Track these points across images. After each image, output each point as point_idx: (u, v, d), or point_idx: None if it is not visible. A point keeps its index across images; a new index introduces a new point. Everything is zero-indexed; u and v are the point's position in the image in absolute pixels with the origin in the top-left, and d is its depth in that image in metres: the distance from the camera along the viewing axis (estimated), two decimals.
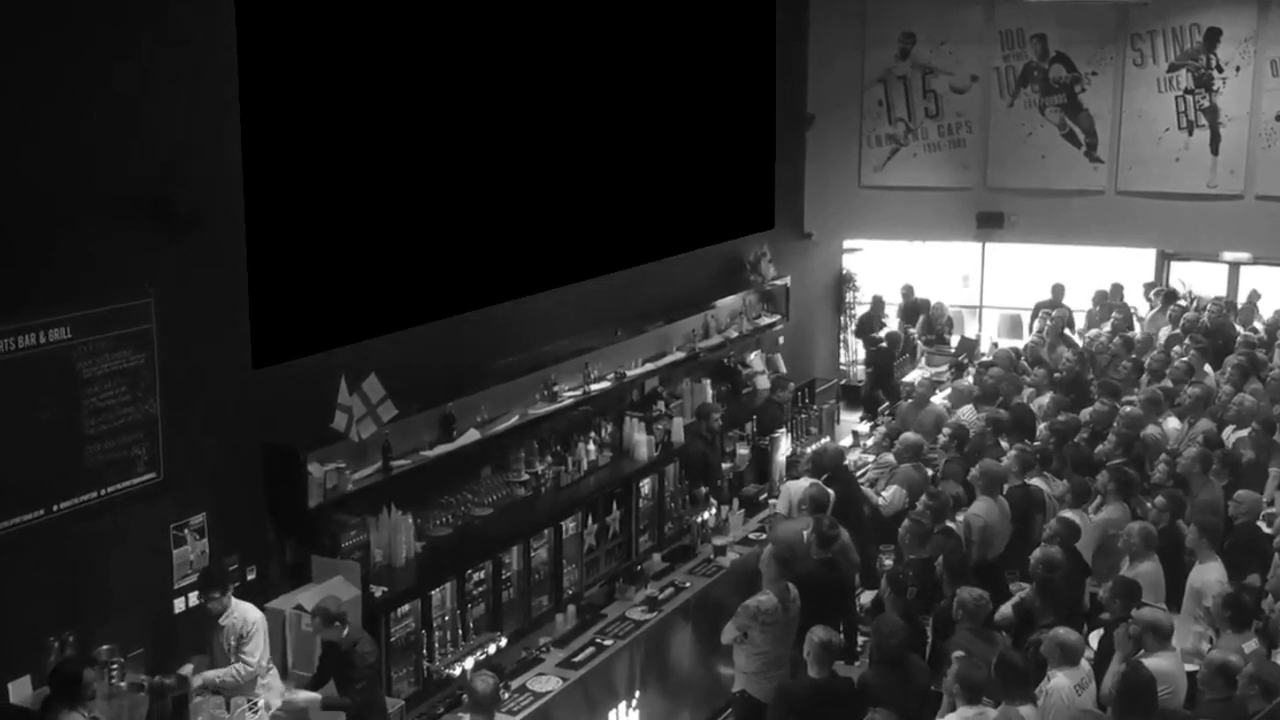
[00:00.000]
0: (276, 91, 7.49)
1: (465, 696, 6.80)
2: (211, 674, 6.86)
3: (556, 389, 9.85)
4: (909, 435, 10.53)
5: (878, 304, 15.51)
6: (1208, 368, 12.05)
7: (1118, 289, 14.82)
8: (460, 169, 8.93)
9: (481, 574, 8.41)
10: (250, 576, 7.60)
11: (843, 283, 16.08)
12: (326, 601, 7.01)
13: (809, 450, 10.96)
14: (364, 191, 8.24)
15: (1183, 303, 14.62)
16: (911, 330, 15.02)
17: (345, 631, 6.92)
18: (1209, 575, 7.80)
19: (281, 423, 7.68)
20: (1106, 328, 13.87)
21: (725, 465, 10.91)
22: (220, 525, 7.36)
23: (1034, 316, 14.64)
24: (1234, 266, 15.60)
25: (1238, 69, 13.82)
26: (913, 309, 15.37)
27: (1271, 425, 10.07)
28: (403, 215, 8.58)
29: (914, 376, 13.18)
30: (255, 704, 6.64)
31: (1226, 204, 13.96)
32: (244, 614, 7.01)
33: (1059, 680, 6.63)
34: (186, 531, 7.22)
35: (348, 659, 6.91)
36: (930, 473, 10.11)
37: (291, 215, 7.73)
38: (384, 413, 7.98)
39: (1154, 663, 6.65)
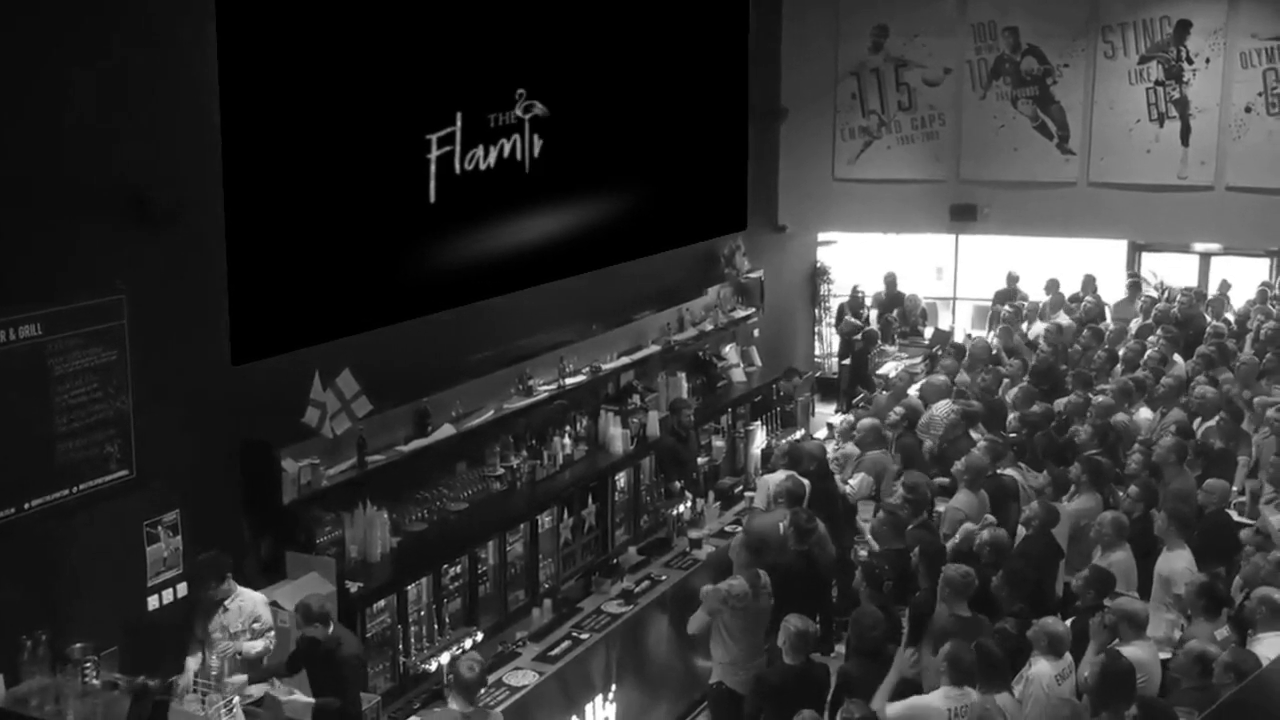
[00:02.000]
0: (256, 86, 7.48)
1: (450, 678, 6.86)
2: (250, 645, 7.01)
3: (532, 383, 9.84)
4: (867, 420, 10.59)
5: (856, 295, 15.56)
6: (1178, 357, 12.14)
7: (1090, 280, 14.91)
8: (438, 167, 8.95)
9: (457, 569, 8.40)
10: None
11: (817, 275, 16.12)
12: (310, 599, 7.01)
13: (784, 442, 11.00)
14: (343, 188, 8.24)
15: (1152, 293, 14.73)
16: (892, 318, 15.05)
17: (330, 629, 6.91)
18: (1177, 563, 7.87)
19: (256, 419, 7.66)
20: (1061, 319, 13.90)
21: (700, 459, 10.92)
22: (194, 522, 7.31)
23: (993, 306, 14.79)
24: (1205, 257, 15.73)
25: (1207, 61, 13.89)
26: (893, 299, 15.42)
27: (1239, 414, 10.16)
28: (381, 212, 8.59)
29: (889, 369, 13.22)
30: (231, 704, 6.61)
31: (1197, 195, 14.03)
32: (250, 596, 7.15)
33: (1041, 667, 6.67)
34: (160, 528, 7.17)
35: (333, 659, 6.90)
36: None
37: (270, 211, 7.72)
38: (358, 408, 7.97)
39: (1129, 651, 6.71)
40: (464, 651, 7.67)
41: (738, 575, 8.05)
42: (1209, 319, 13.70)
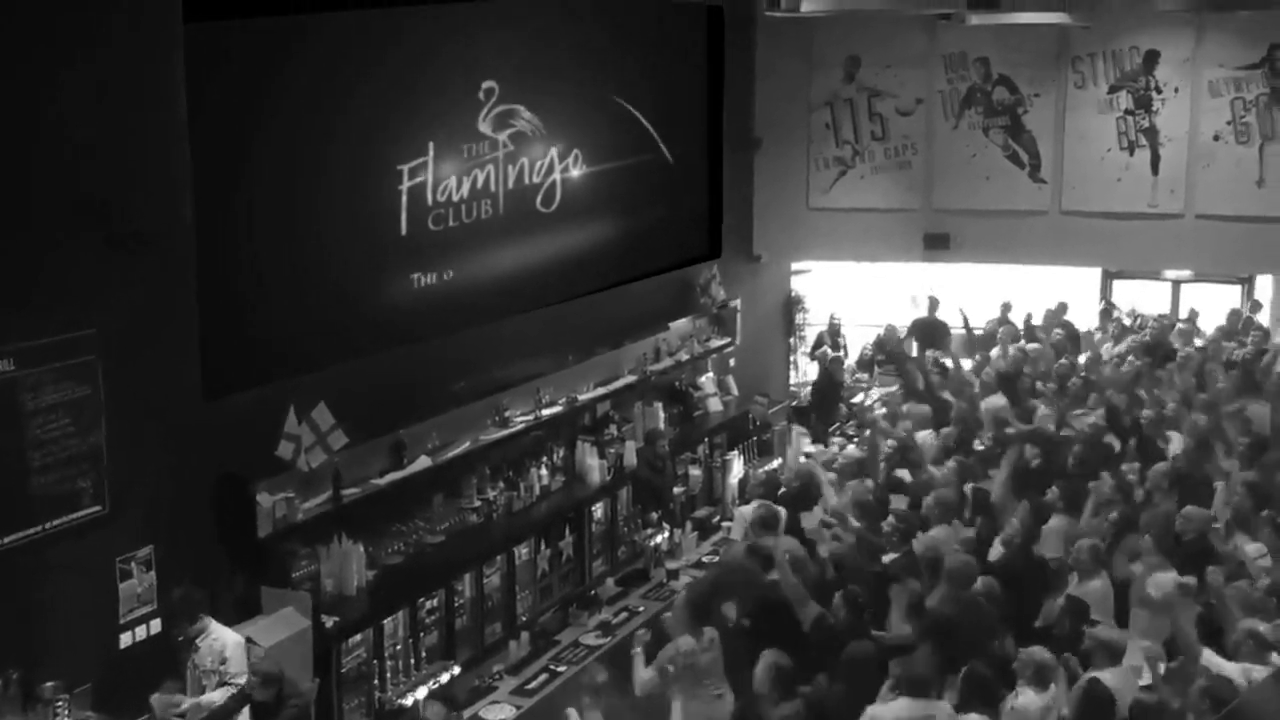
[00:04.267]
0: (227, 118, 7.47)
1: None
2: (206, 698, 6.83)
3: (508, 414, 9.82)
4: (851, 450, 10.61)
5: (833, 323, 15.59)
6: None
7: (1063, 307, 14.99)
8: (410, 198, 8.95)
9: (434, 602, 8.37)
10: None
11: (792, 304, 16.15)
12: (265, 664, 6.98)
13: (761, 472, 11.00)
14: (315, 219, 8.24)
15: (1125, 320, 14.82)
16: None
17: (280, 688, 6.89)
18: (1166, 583, 7.86)
19: (230, 453, 7.61)
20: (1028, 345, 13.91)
21: (677, 489, 10.90)
22: (168, 557, 7.27)
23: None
24: (1175, 284, 15.85)
25: (1176, 90, 14.03)
26: (930, 328, 15.26)
27: (1206, 442, 10.23)
28: (353, 243, 8.58)
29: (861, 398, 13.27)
30: None
31: (1167, 223, 14.14)
32: (222, 636, 6.99)
33: (1028, 698, 6.62)
34: (133, 564, 7.13)
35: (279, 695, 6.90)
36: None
37: (242, 244, 7.71)
38: (334, 441, 7.94)
39: (1105, 678, 6.71)
40: (430, 694, 7.52)
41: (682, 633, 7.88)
42: (1178, 345, 13.79)
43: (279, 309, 8.01)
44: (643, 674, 7.66)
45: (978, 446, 10.76)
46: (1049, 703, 6.67)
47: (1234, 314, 14.68)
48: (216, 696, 6.84)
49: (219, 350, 7.50)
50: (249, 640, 7.19)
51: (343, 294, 8.51)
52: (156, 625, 7.20)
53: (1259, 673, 6.66)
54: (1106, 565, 8.21)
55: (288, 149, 7.93)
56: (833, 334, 15.46)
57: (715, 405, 12.52)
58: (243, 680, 6.87)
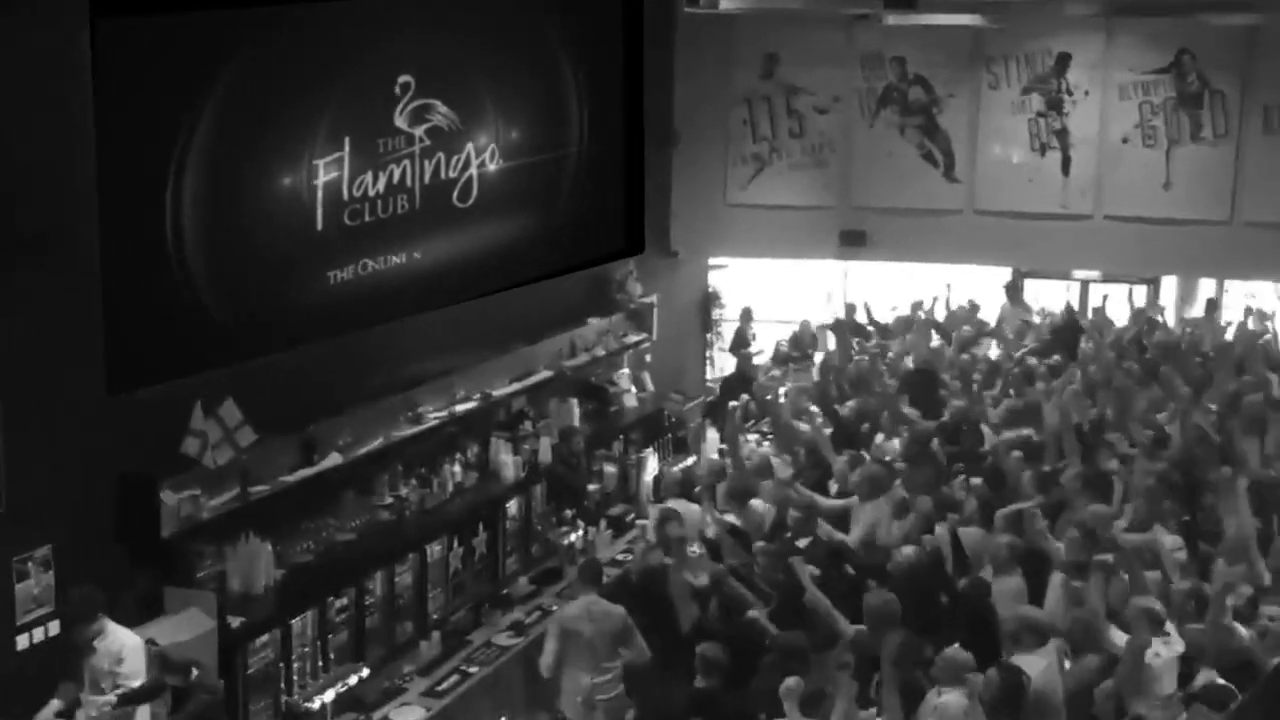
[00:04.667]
0: (135, 113, 7.26)
1: None
2: (93, 701, 6.64)
3: (421, 410, 9.72)
4: (763, 450, 10.64)
5: (746, 317, 15.63)
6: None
7: (974, 307, 15.16)
8: (325, 193, 8.77)
9: (344, 601, 8.25)
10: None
11: (709, 300, 16.18)
12: (176, 652, 6.82)
13: (676, 470, 11.00)
14: (226, 212, 8.04)
15: (1035, 318, 15.01)
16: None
17: (193, 675, 6.74)
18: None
19: (134, 450, 7.43)
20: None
21: (592, 486, 10.86)
22: (68, 557, 7.09)
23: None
24: (1084, 284, 16.11)
25: (1086, 93, 14.27)
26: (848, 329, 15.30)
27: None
28: (265, 237, 8.39)
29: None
30: None
31: (1077, 224, 14.39)
32: (120, 638, 6.77)
33: (951, 698, 6.60)
34: (30, 564, 6.94)
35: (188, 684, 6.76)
36: None
37: (148, 237, 7.48)
38: (241, 438, 7.80)
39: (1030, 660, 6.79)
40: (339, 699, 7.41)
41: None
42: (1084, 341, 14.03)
43: (186, 305, 7.78)
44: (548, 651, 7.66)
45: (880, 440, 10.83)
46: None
47: (1137, 313, 14.91)
48: (109, 699, 6.67)
49: (123, 346, 7.29)
50: (149, 642, 7.02)
51: (255, 290, 8.31)
52: (55, 627, 7.01)
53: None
54: (1022, 563, 8.28)
55: (198, 144, 7.72)
56: (745, 328, 15.47)
57: (631, 401, 12.49)
58: (136, 683, 6.70)
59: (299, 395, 8.66)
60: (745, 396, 12.07)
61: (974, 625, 7.56)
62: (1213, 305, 15.00)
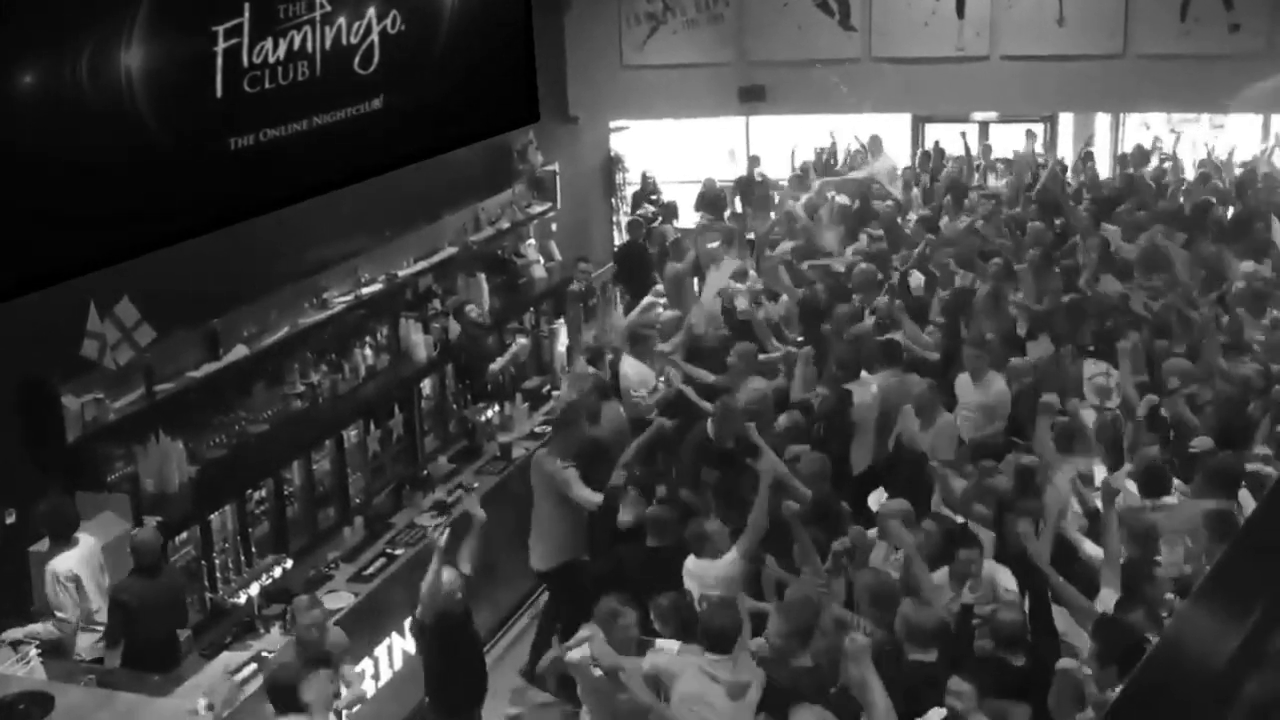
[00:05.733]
0: None
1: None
2: (31, 629, 6.62)
3: (326, 296, 9.55)
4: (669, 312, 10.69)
5: (646, 181, 15.51)
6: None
7: (876, 141, 15.03)
8: (225, 60, 8.39)
9: (262, 493, 8.18)
10: (10, 520, 7.21)
11: (612, 165, 16.00)
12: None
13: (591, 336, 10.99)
14: (119, 88, 7.64)
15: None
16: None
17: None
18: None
19: (30, 355, 7.21)
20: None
21: (501, 359, 10.71)
22: None
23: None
24: (983, 126, 16.17)
25: None
26: (750, 185, 15.14)
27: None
28: (160, 112, 8.00)
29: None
30: (26, 655, 6.36)
31: (973, 65, 14.35)
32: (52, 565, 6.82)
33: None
34: None
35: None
36: None
37: (25, 115, 7.09)
38: (141, 337, 7.62)
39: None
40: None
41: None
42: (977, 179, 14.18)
43: (72, 193, 7.41)
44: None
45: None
46: None
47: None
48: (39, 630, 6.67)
49: (6, 247, 7.00)
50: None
51: (145, 173, 7.95)
52: None
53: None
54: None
55: (86, 7, 7.28)
56: (646, 192, 15.37)
57: (539, 273, 12.38)
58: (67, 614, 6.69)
59: (198, 288, 8.43)
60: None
61: None
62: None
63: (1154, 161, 14.31)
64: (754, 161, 15.22)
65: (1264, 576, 1.96)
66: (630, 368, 9.63)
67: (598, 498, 7.95)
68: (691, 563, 6.99)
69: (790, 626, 6.08)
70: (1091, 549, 6.75)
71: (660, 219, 14.55)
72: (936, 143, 15.54)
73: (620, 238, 15.92)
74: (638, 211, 14.89)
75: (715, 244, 12.49)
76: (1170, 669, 1.76)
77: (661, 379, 9.72)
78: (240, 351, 8.62)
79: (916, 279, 10.95)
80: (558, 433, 8.55)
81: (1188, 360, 8.78)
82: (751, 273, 11.54)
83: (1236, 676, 1.79)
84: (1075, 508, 7.14)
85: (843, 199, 13.51)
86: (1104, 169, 15.04)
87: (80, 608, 6.99)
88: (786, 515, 6.94)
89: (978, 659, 6.11)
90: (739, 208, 14.82)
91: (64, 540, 7.02)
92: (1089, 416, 8.38)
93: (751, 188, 14.93)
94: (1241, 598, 1.88)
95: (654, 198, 15.31)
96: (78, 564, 6.99)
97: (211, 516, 7.77)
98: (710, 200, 14.86)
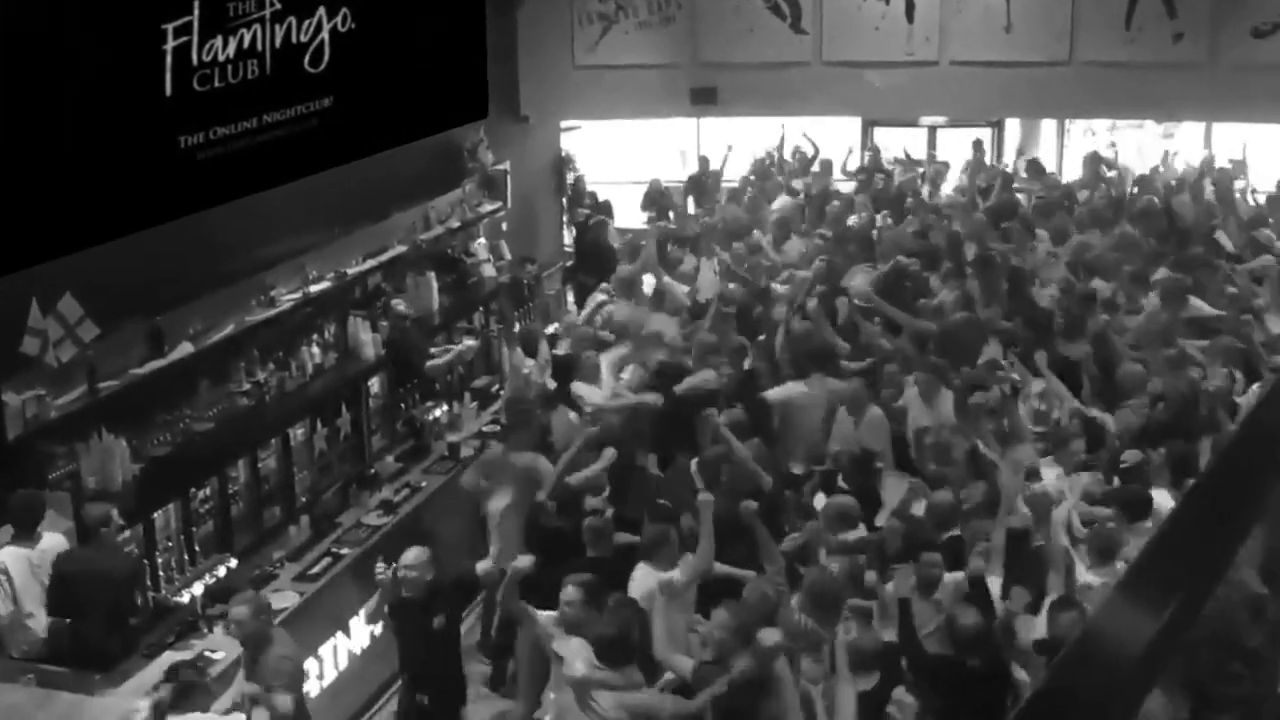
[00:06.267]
0: None
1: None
2: None
3: (274, 293, 9.50)
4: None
5: (578, 187, 15.50)
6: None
7: (827, 165, 15.19)
8: (175, 58, 8.32)
9: (207, 491, 8.13)
10: None
11: (562, 164, 16.00)
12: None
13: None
14: (64, 82, 7.57)
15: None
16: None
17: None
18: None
19: None
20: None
21: (444, 358, 10.63)
22: None
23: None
24: (932, 130, 16.31)
25: None
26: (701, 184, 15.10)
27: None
28: (109, 110, 7.94)
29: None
30: None
31: (923, 70, 14.48)
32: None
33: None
34: None
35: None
36: None
37: None
38: (84, 333, 7.55)
39: None
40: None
41: None
42: (925, 189, 14.28)
43: (21, 186, 7.33)
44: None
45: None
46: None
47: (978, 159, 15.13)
48: None
49: None
50: None
51: (94, 168, 7.87)
52: None
53: None
54: None
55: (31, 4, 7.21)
56: (578, 196, 15.35)
57: (489, 271, 12.36)
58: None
59: (144, 285, 8.36)
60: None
61: None
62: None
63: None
64: (704, 162, 15.26)
65: (1183, 569, 2.01)
66: (583, 389, 9.53)
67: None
68: (639, 571, 6.96)
69: (738, 621, 6.10)
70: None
71: (594, 218, 14.51)
72: (877, 149, 15.62)
73: (570, 237, 15.93)
74: (575, 213, 14.89)
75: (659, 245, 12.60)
76: (1087, 661, 1.80)
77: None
78: (186, 349, 8.56)
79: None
80: (512, 434, 8.53)
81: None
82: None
83: (1152, 667, 1.83)
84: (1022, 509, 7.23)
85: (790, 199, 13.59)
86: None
87: (8, 606, 6.87)
88: (744, 515, 6.98)
89: (933, 661, 6.18)
90: (691, 207, 14.85)
91: (28, 535, 6.89)
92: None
93: (703, 186, 14.96)
94: (1161, 590, 1.93)
95: (588, 202, 15.28)
96: (12, 560, 6.87)
97: (155, 515, 7.70)
98: (655, 200, 14.91)
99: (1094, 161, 14.30)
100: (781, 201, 13.66)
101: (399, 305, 10.31)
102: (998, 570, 6.68)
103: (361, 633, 8.25)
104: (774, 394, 8.96)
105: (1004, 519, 6.86)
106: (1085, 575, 6.67)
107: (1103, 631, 1.91)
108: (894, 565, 6.78)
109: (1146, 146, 15.64)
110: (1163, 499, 7.18)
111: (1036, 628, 6.27)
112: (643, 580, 6.86)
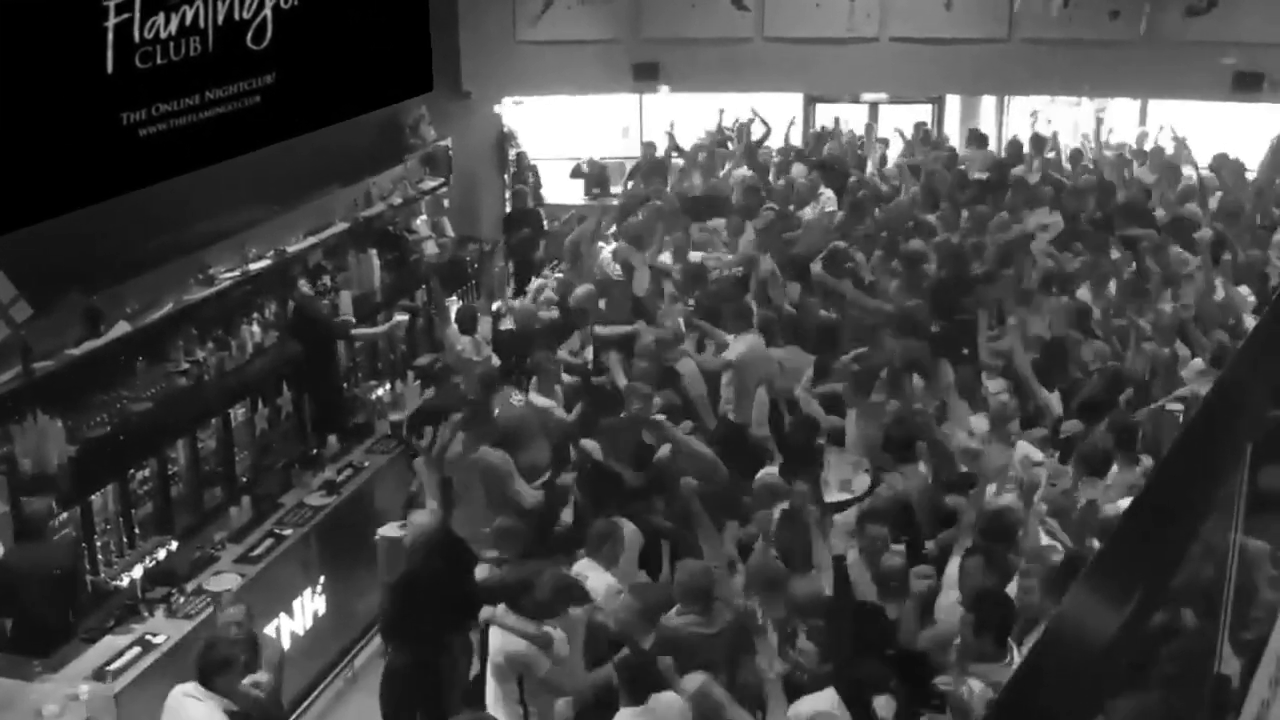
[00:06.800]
0: None
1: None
2: None
3: (213, 271, 9.37)
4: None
5: (522, 164, 15.41)
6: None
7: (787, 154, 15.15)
8: (116, 35, 8.14)
9: (146, 472, 8.01)
10: None
11: (505, 140, 15.89)
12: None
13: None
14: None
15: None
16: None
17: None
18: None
19: None
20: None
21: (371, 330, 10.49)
22: None
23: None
24: (873, 106, 16.36)
25: None
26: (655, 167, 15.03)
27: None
28: (49, 86, 7.76)
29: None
30: None
31: (863, 47, 14.52)
32: None
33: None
34: None
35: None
36: None
37: None
38: (17, 313, 7.42)
39: None
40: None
41: None
42: (870, 168, 14.32)
43: None
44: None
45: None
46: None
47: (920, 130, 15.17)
48: None
49: None
50: None
51: (33, 145, 7.71)
52: None
53: None
54: None
55: None
56: (521, 174, 15.26)
57: (431, 249, 12.26)
58: None
59: (79, 263, 8.20)
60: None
61: None
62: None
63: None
64: (649, 147, 15.18)
65: (1148, 556, 2.03)
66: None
67: (538, 495, 7.86)
68: (584, 564, 6.78)
69: (643, 604, 6.11)
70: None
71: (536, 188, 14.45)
72: (824, 126, 15.64)
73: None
74: (516, 187, 14.79)
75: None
76: (1056, 650, 1.82)
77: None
78: (123, 328, 8.42)
79: None
80: (470, 428, 8.38)
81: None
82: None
83: (1117, 655, 1.85)
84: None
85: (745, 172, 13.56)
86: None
87: None
88: (684, 491, 6.88)
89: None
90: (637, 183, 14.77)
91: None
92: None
93: (653, 162, 14.89)
94: (1126, 578, 1.95)
95: (529, 178, 15.18)
96: None
97: (93, 497, 7.58)
98: (595, 177, 14.84)
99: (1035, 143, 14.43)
100: (740, 175, 13.60)
101: (303, 285, 10.08)
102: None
103: (304, 613, 8.19)
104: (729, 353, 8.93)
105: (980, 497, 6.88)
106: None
107: (1069, 624, 1.92)
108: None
109: (1082, 123, 15.77)
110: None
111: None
112: (595, 582, 6.66)
